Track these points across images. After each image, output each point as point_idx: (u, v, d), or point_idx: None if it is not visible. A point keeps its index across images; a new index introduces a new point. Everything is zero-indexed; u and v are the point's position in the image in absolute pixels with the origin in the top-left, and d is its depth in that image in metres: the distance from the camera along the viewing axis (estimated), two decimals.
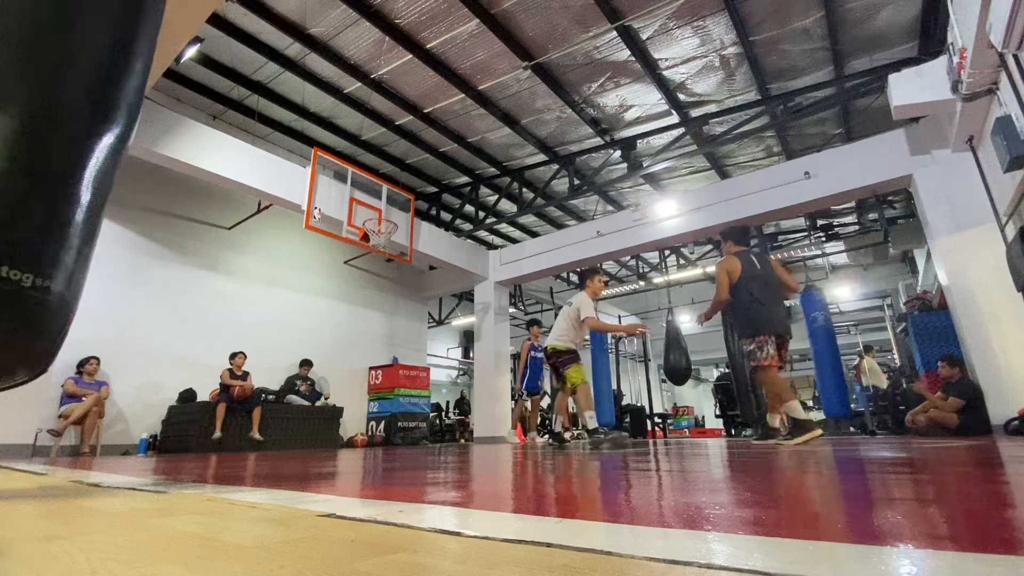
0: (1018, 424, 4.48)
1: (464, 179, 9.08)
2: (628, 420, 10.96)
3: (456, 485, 1.55)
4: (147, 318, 6.56)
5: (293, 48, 5.96)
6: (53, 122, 1.11)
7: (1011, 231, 4.33)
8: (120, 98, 1.23)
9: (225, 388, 6.37)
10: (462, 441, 11.09)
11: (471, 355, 13.08)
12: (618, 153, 7.75)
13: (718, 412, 11.43)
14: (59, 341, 1.18)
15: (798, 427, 3.66)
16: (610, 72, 6.33)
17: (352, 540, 0.74)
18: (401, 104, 6.83)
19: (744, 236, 4.34)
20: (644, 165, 7.61)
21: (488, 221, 9.36)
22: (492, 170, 8.67)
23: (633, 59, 5.98)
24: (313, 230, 6.54)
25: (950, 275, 5.36)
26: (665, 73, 6.34)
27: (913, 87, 4.99)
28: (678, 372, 9.25)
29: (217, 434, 5.99)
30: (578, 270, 11.57)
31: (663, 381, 17.39)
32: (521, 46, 5.83)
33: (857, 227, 9.66)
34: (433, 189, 9.45)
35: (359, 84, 6.47)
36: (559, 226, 10.33)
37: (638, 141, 7.62)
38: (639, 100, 6.87)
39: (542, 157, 8.23)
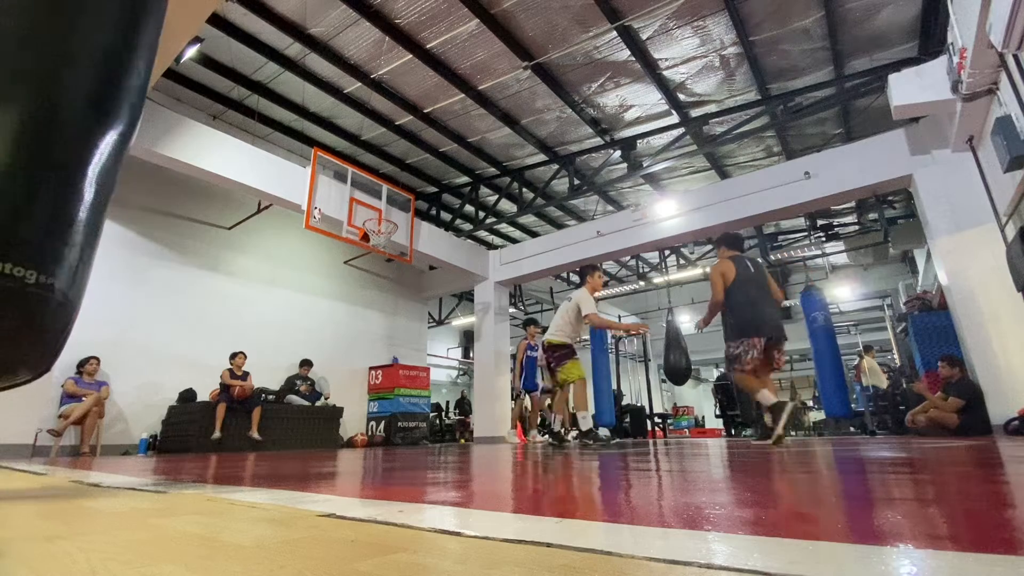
0: (1018, 424, 4.48)
1: (464, 179, 9.08)
2: (628, 420, 10.96)
3: (456, 485, 1.55)
4: (147, 318, 6.56)
5: (293, 48, 5.96)
6: (56, 119, 1.11)
7: (1011, 231, 4.33)
8: (123, 95, 1.23)
9: (225, 388, 6.38)
10: (462, 441, 11.09)
11: (471, 355, 13.08)
12: (618, 153, 7.75)
13: (718, 412, 11.45)
14: (62, 340, 1.18)
15: (773, 410, 3.62)
16: (610, 72, 6.33)
17: (352, 540, 0.74)
18: (401, 104, 6.83)
19: (737, 242, 4.40)
20: (644, 165, 7.61)
21: (488, 221, 9.36)
22: (492, 170, 8.67)
23: (633, 59, 5.98)
24: (313, 230, 6.54)
25: (950, 275, 5.36)
26: (665, 73, 6.34)
27: (913, 87, 4.99)
28: (678, 372, 9.25)
29: (217, 434, 5.99)
30: (578, 269, 11.58)
31: (663, 381, 17.39)
32: (521, 46, 5.83)
33: (857, 227, 9.66)
34: (433, 189, 9.45)
35: (359, 84, 6.48)
36: (559, 226, 10.33)
37: (638, 141, 7.62)
38: (639, 100, 6.87)
39: (542, 157, 8.24)
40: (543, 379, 7.02)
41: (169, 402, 6.51)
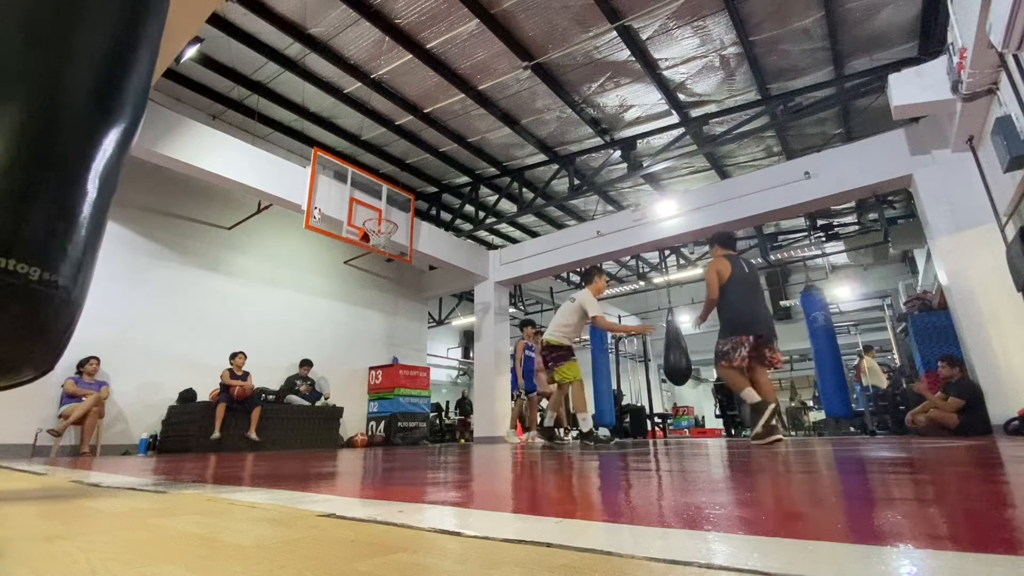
0: (1018, 424, 4.48)
1: (464, 179, 9.08)
2: (628, 420, 10.96)
3: (456, 485, 1.55)
4: (147, 318, 6.56)
5: (293, 48, 5.96)
6: (59, 116, 1.11)
7: (1011, 231, 4.33)
8: (126, 92, 1.23)
9: (225, 388, 6.38)
10: (462, 441, 11.09)
11: (471, 355, 13.08)
12: (618, 153, 7.75)
13: (718, 412, 11.45)
14: (66, 338, 1.17)
15: (755, 410, 3.74)
16: (610, 72, 6.33)
17: (352, 540, 0.74)
18: (401, 104, 6.83)
19: (731, 241, 4.46)
20: (644, 165, 7.61)
21: (488, 221, 9.36)
22: (492, 170, 8.67)
23: (633, 59, 5.98)
24: (313, 230, 6.54)
25: (950, 275, 5.36)
26: (665, 73, 6.34)
27: (913, 87, 4.99)
28: (678, 372, 9.26)
29: (216, 434, 5.99)
30: (580, 269, 11.57)
31: (663, 381, 17.39)
32: (521, 46, 5.83)
33: (857, 227, 9.66)
34: (433, 189, 9.45)
35: (359, 84, 6.48)
36: (559, 226, 10.33)
37: (638, 141, 7.62)
38: (639, 100, 6.87)
39: (542, 157, 8.24)
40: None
41: (169, 402, 6.51)
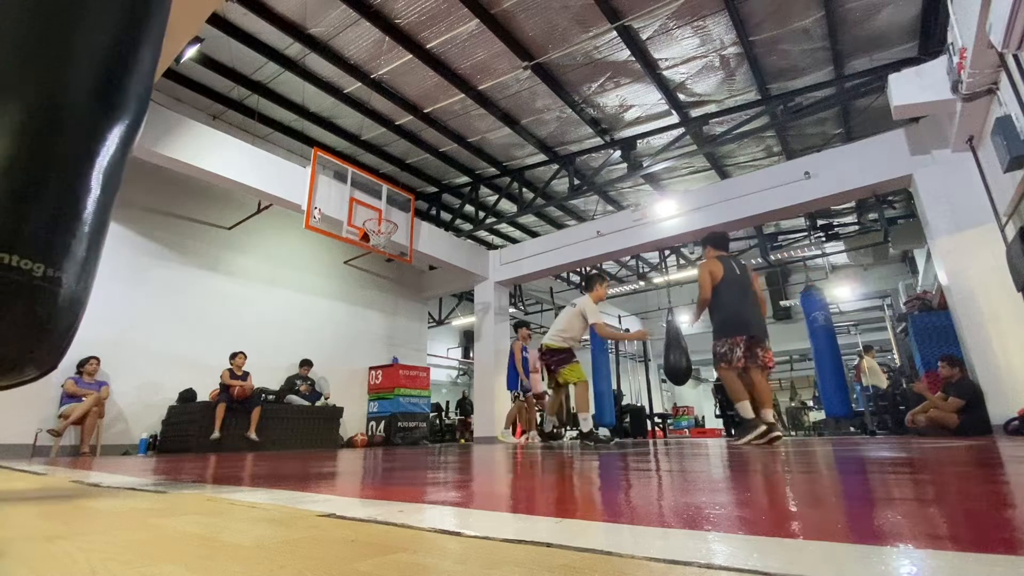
0: (1018, 424, 4.48)
1: (464, 179, 9.08)
2: (628, 420, 10.97)
3: (456, 485, 1.55)
4: (147, 318, 6.56)
5: (293, 48, 5.96)
6: (62, 111, 1.10)
7: (1011, 231, 4.33)
8: (129, 88, 1.22)
9: (225, 388, 6.38)
10: (462, 441, 11.09)
11: (471, 355, 13.08)
12: (618, 153, 7.75)
13: (718, 412, 11.44)
14: (70, 336, 1.16)
15: (743, 426, 3.84)
16: (610, 72, 6.33)
17: (352, 540, 0.74)
18: (401, 104, 6.83)
19: (724, 242, 4.49)
20: (644, 165, 7.61)
21: (488, 221, 9.36)
22: (492, 170, 8.67)
23: (633, 59, 5.98)
24: (313, 230, 6.54)
25: (950, 275, 5.36)
26: (665, 73, 6.34)
27: (913, 87, 4.99)
28: (678, 372, 9.25)
29: (216, 434, 5.99)
30: (584, 270, 11.58)
31: (663, 381, 17.39)
32: (521, 46, 5.83)
33: (857, 227, 9.67)
34: (433, 189, 9.45)
35: (359, 84, 6.48)
36: (559, 226, 10.33)
37: (638, 141, 7.62)
38: (639, 100, 6.87)
39: (542, 157, 8.24)
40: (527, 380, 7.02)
41: (169, 402, 6.51)
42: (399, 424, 8.22)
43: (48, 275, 1.03)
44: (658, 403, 14.24)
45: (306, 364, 7.74)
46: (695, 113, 7.14)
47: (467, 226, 9.66)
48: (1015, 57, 3.51)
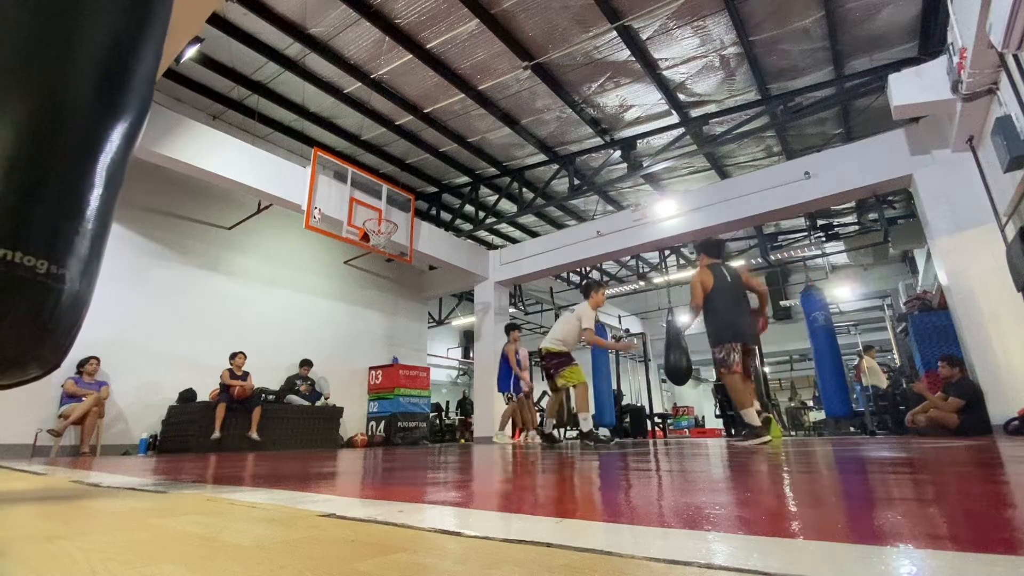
0: (1018, 424, 4.48)
1: (464, 179, 9.08)
2: (628, 420, 10.97)
3: (456, 485, 1.55)
4: (147, 318, 6.56)
5: (293, 48, 5.96)
6: (65, 107, 1.09)
7: (1011, 231, 4.33)
8: (132, 84, 1.22)
9: (225, 388, 6.38)
10: (462, 441, 11.09)
11: (471, 355, 13.08)
12: (618, 153, 7.75)
13: (718, 412, 11.43)
14: (73, 334, 1.15)
15: (749, 431, 3.96)
16: (610, 72, 6.33)
17: (352, 540, 0.74)
18: (401, 104, 6.83)
19: (717, 250, 4.59)
20: (644, 165, 7.61)
21: (488, 221, 9.36)
22: (492, 170, 8.67)
23: (633, 59, 5.98)
24: (313, 230, 6.54)
25: (950, 275, 5.36)
26: (665, 73, 6.34)
27: (913, 87, 4.99)
28: (678, 372, 9.21)
29: (216, 434, 5.99)
30: (584, 270, 11.58)
31: (663, 381, 17.39)
32: (521, 46, 5.83)
33: (857, 227, 9.67)
34: (433, 189, 9.45)
35: (359, 84, 6.48)
36: (559, 226, 10.33)
37: (638, 141, 7.62)
38: (639, 100, 6.87)
39: (542, 157, 8.24)
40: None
41: (169, 402, 6.51)
42: (399, 424, 8.21)
43: (52, 272, 1.02)
44: (658, 403, 14.23)
45: (306, 364, 7.74)
46: (695, 113, 7.14)
47: (467, 226, 9.66)
48: (1015, 57, 3.51)
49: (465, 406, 12.90)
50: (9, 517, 1.04)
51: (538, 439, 6.38)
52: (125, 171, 1.24)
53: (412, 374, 8.92)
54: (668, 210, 7.69)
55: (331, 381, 7.97)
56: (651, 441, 7.32)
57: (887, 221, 8.83)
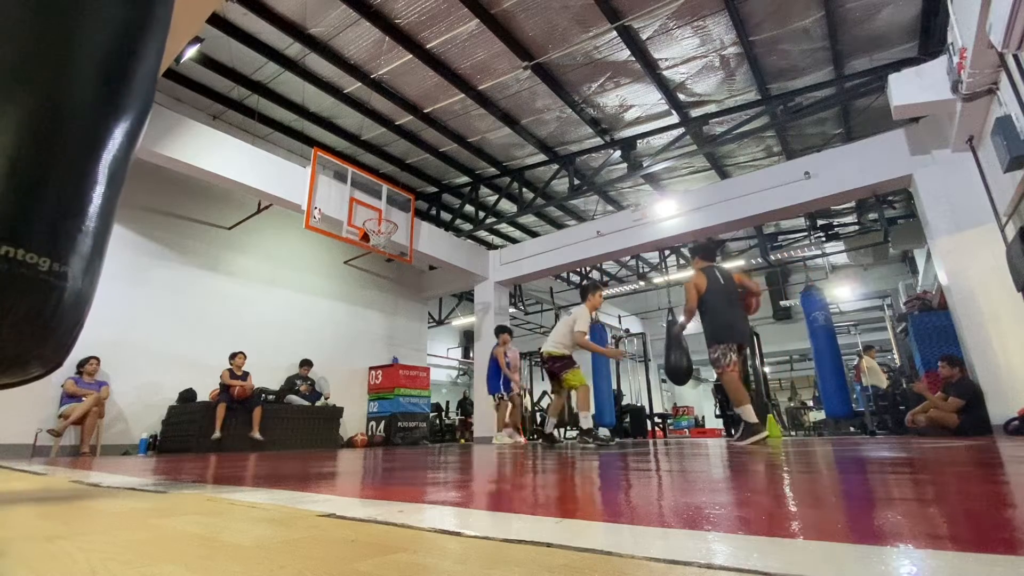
0: (1018, 424, 4.48)
1: (464, 179, 9.08)
2: (628, 420, 10.96)
3: (456, 485, 1.55)
4: (147, 318, 6.56)
5: (293, 48, 5.96)
6: (68, 105, 1.09)
7: (1011, 231, 4.33)
8: (135, 80, 1.21)
9: (225, 388, 6.38)
10: (462, 441, 11.10)
11: (471, 355, 13.08)
12: (618, 153, 7.75)
13: (718, 412, 11.43)
14: (75, 332, 1.14)
15: (747, 429, 4.01)
16: (610, 72, 6.33)
17: (352, 540, 0.74)
18: (401, 104, 6.83)
19: (711, 253, 4.73)
20: (644, 165, 7.61)
21: (488, 221, 9.36)
22: (492, 170, 8.67)
23: (633, 59, 5.98)
24: (313, 230, 6.54)
25: (950, 275, 5.36)
26: (665, 73, 6.34)
27: (913, 87, 4.99)
28: (679, 372, 9.22)
29: (216, 434, 5.99)
30: (584, 270, 11.58)
31: (663, 381, 17.39)
32: (521, 46, 5.83)
33: (857, 227, 9.67)
34: (433, 189, 9.45)
35: (359, 84, 6.48)
36: (559, 226, 10.33)
37: (638, 141, 7.62)
38: (639, 100, 6.87)
39: (542, 157, 8.24)
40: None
41: (169, 402, 6.51)
42: (399, 424, 8.21)
43: (54, 270, 1.01)
44: (658, 403, 14.23)
45: (306, 364, 7.74)
46: (695, 113, 7.14)
47: (467, 226, 9.66)
48: (1015, 57, 3.51)
49: (465, 406, 12.90)
50: (9, 517, 1.04)
51: (512, 438, 6.46)
52: (127, 169, 1.24)
53: (412, 374, 8.92)
54: (668, 210, 7.69)
55: (331, 381, 7.97)
56: (651, 441, 7.32)
57: (887, 221, 8.83)
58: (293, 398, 7.27)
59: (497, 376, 6.93)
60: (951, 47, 4.46)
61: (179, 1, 1.44)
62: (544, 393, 13.16)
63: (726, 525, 0.76)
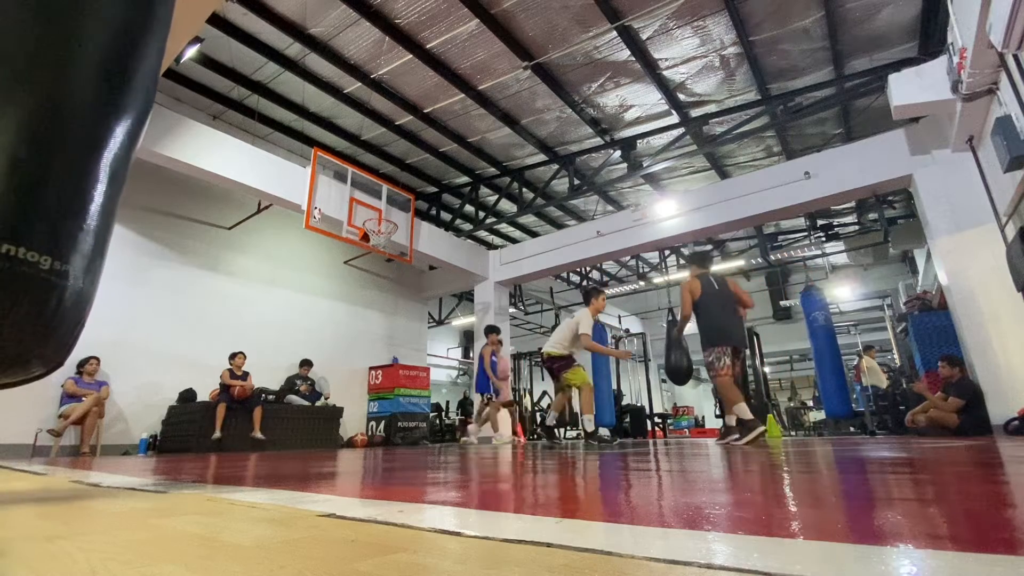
0: (1018, 424, 4.48)
1: (464, 179, 9.08)
2: (628, 420, 10.96)
3: (456, 485, 1.55)
4: (147, 318, 6.56)
5: (293, 48, 5.96)
6: (69, 101, 1.08)
7: (1011, 231, 4.33)
8: (136, 77, 1.21)
9: (225, 388, 6.37)
10: (462, 441, 11.09)
11: (471, 355, 13.08)
12: (618, 153, 7.75)
13: (718, 412, 11.42)
14: (77, 331, 1.13)
15: (744, 427, 4.07)
16: (610, 72, 6.33)
17: (352, 540, 0.74)
18: (401, 104, 6.83)
19: (705, 261, 4.87)
20: (644, 165, 7.61)
21: (488, 221, 9.36)
22: (492, 170, 8.67)
23: (633, 59, 5.98)
24: (313, 230, 6.54)
25: (950, 275, 5.36)
26: (665, 73, 6.34)
27: (913, 87, 4.99)
28: (679, 372, 9.24)
29: (217, 434, 5.99)
30: (584, 270, 11.58)
31: (663, 381, 17.39)
32: (521, 46, 5.83)
33: (857, 227, 9.67)
34: (433, 189, 9.45)
35: (359, 84, 6.48)
36: (559, 226, 10.33)
37: (638, 141, 7.62)
38: (639, 100, 6.87)
39: (542, 157, 8.24)
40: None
41: (169, 402, 6.51)
42: (399, 424, 8.21)
43: (55, 269, 1.01)
44: (658, 403, 14.24)
45: (306, 364, 7.73)
46: (695, 113, 7.14)
47: (467, 226, 9.66)
48: (1015, 57, 3.51)
49: (465, 406, 12.90)
50: (9, 517, 1.04)
51: (474, 440, 6.53)
52: (128, 167, 1.24)
53: (412, 374, 8.92)
54: (668, 210, 7.69)
55: (331, 381, 7.97)
56: (651, 441, 7.32)
57: (887, 221, 8.83)
58: (293, 398, 7.27)
59: (486, 375, 6.95)
60: (951, 47, 4.46)
61: (179, 1, 1.44)
62: (544, 393, 13.17)
63: (726, 525, 0.76)
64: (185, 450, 5.87)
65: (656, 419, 11.65)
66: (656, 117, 7.23)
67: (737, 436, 4.18)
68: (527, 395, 12.39)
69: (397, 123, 7.37)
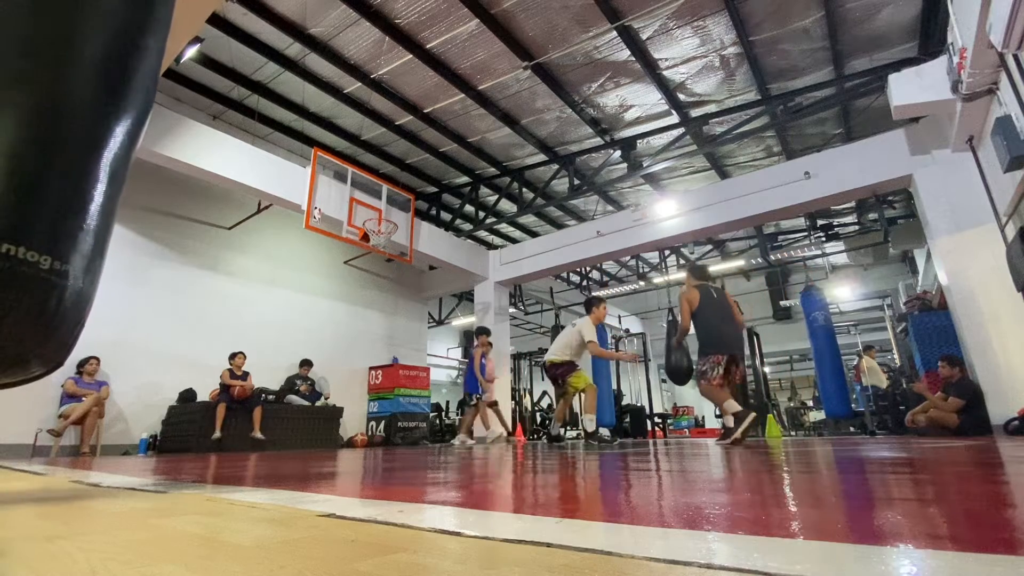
0: (1018, 424, 4.48)
1: (464, 179, 9.08)
2: (628, 420, 10.96)
3: (456, 485, 1.55)
4: (147, 318, 6.56)
5: (293, 48, 5.96)
6: (69, 101, 1.08)
7: (1011, 231, 4.33)
8: (136, 77, 1.21)
9: (225, 388, 6.37)
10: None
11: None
12: (618, 153, 7.75)
13: (717, 412, 11.42)
14: (77, 331, 1.13)
15: (736, 418, 4.14)
16: (610, 72, 6.33)
17: (352, 540, 0.74)
18: (401, 104, 6.83)
19: (703, 273, 4.93)
20: (644, 165, 7.61)
21: (488, 221, 9.36)
22: (492, 170, 8.67)
23: (633, 59, 5.98)
24: (313, 230, 6.54)
25: (950, 275, 5.36)
26: (665, 73, 6.34)
27: (913, 87, 4.99)
28: (679, 372, 9.23)
29: (217, 434, 5.98)
30: (584, 270, 11.58)
31: (663, 381, 17.39)
32: (521, 46, 5.83)
33: (857, 227, 9.67)
34: (433, 189, 9.45)
35: (359, 84, 6.48)
36: (559, 226, 10.33)
37: (638, 141, 7.62)
38: (639, 100, 6.87)
39: (542, 157, 8.24)
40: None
41: (169, 402, 6.51)
42: (399, 424, 8.21)
43: (55, 268, 1.01)
44: (658, 403, 14.24)
45: (306, 364, 7.73)
46: (695, 113, 7.13)
47: (467, 226, 9.66)
48: (1015, 57, 3.51)
49: (465, 406, 12.89)
50: (9, 517, 1.04)
51: (469, 442, 6.55)
52: (128, 167, 1.24)
53: (412, 374, 8.92)
54: (668, 210, 7.69)
55: (331, 381, 7.96)
56: (651, 441, 7.32)
57: (887, 221, 8.83)
58: (293, 398, 7.27)
59: (475, 375, 6.96)
60: (951, 47, 4.46)
61: (179, 1, 1.44)
62: (544, 393, 13.17)
63: (726, 525, 0.76)
64: (185, 450, 5.87)
65: (656, 419, 11.64)
66: (656, 117, 7.23)
67: (725, 435, 4.24)
68: (527, 395, 12.38)
69: (397, 123, 7.37)
